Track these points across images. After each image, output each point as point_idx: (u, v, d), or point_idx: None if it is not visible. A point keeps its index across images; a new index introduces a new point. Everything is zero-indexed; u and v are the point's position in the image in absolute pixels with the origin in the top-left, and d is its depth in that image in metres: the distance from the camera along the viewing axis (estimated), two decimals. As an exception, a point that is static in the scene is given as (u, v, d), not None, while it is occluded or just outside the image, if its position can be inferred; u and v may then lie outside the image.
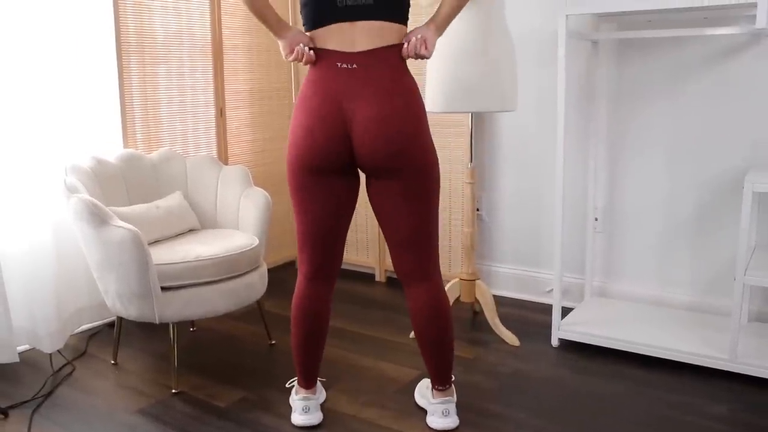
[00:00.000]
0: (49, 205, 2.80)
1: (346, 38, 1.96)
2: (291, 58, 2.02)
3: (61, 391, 2.54)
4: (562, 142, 2.68)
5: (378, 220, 2.13)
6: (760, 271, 2.38)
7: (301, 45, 1.98)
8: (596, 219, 3.17)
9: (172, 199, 2.88)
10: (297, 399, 2.25)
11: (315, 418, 2.24)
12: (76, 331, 3.08)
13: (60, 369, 2.73)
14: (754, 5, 2.35)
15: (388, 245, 2.16)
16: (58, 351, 2.87)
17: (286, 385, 2.31)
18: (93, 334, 3.09)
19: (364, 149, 1.98)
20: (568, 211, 3.26)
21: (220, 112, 3.51)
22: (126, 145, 3.09)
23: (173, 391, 2.51)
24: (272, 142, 3.88)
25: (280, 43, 2.03)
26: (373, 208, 2.14)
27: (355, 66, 1.96)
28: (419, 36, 2.00)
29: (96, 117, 2.98)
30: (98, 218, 2.37)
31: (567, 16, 2.59)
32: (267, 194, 2.86)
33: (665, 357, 2.58)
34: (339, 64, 1.97)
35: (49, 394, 2.52)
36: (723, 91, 2.80)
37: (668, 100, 2.93)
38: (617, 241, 3.15)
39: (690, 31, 2.61)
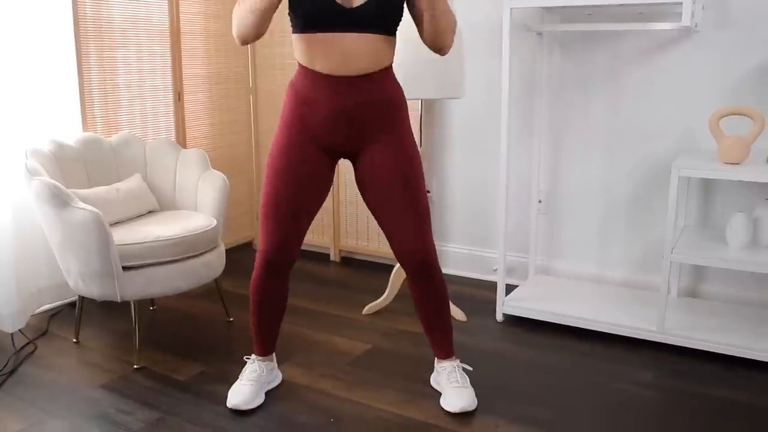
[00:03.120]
0: (9, 187, 2.85)
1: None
2: None
3: (24, 369, 2.62)
4: (506, 129, 2.83)
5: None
6: (686, 250, 2.58)
7: None
8: (540, 201, 3.34)
9: (132, 182, 2.96)
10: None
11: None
12: (38, 311, 3.15)
13: (22, 348, 2.80)
14: (680, 4, 2.53)
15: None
16: (20, 330, 2.93)
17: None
18: (54, 314, 3.16)
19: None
20: (513, 194, 3.43)
21: (179, 96, 3.58)
22: (85, 128, 3.14)
23: (135, 366, 2.61)
24: (230, 126, 3.96)
25: None
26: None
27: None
28: None
29: (55, 100, 3.03)
30: (60, 200, 2.45)
31: (511, 9, 2.74)
32: (224, 177, 2.96)
33: (600, 330, 2.78)
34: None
35: (12, 372, 2.60)
36: (656, 81, 2.99)
37: (607, 90, 3.11)
38: (559, 222, 3.33)
39: (626, 26, 2.78)
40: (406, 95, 2.81)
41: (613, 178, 3.16)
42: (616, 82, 3.08)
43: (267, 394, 2.38)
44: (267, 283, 2.25)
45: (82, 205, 2.46)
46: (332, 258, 3.97)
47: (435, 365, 2.40)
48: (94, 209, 2.44)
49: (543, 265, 3.41)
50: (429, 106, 3.58)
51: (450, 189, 3.62)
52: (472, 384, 2.41)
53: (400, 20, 2.08)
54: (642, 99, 3.04)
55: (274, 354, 2.44)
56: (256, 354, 2.39)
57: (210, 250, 2.79)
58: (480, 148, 3.49)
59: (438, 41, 2.07)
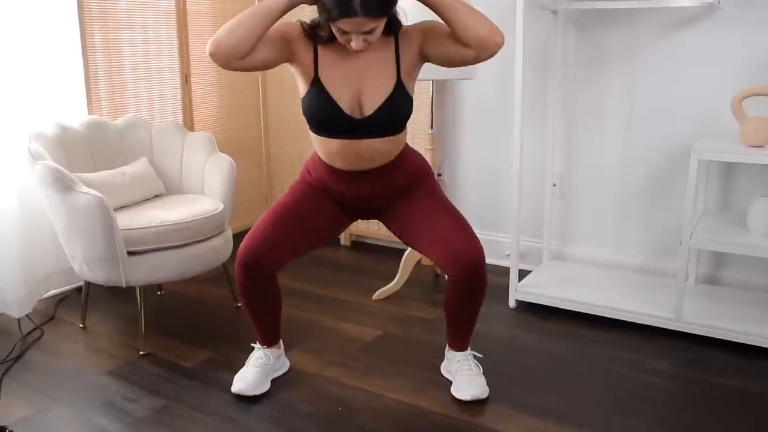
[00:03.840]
0: (14, 171, 2.81)
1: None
2: None
3: (31, 355, 2.59)
4: (520, 110, 2.75)
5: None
6: (705, 236, 2.50)
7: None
8: (554, 185, 3.27)
9: (138, 165, 2.91)
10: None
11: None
12: (45, 296, 3.12)
13: (29, 333, 2.78)
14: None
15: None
16: (27, 316, 2.91)
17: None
18: (61, 299, 3.13)
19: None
20: (527, 177, 3.36)
21: (186, 78, 3.52)
22: (91, 111, 3.10)
23: (141, 352, 2.58)
24: (239, 109, 3.90)
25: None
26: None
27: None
28: None
29: (59, 83, 2.98)
30: (63, 184, 2.41)
31: (525, -14, 2.65)
32: (232, 160, 2.91)
33: (615, 317, 2.71)
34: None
35: (18, 357, 2.57)
36: (676, 60, 2.89)
37: (624, 70, 3.02)
38: (574, 206, 3.26)
39: (645, 3, 2.68)
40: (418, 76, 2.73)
41: (629, 160, 3.08)
42: (634, 62, 2.99)
43: (274, 381, 2.34)
44: (250, 287, 2.16)
45: (85, 189, 2.42)
46: (342, 242, 3.92)
47: (446, 353, 2.35)
48: (97, 194, 2.40)
49: (557, 250, 3.34)
50: (440, 87, 3.51)
51: (462, 172, 3.55)
52: (484, 372, 2.36)
53: (410, 115, 2.12)
54: (660, 79, 2.94)
55: (281, 341, 2.39)
56: (260, 343, 2.35)
57: (217, 235, 2.74)
58: (492, 130, 3.42)
59: (480, 32, 1.88)
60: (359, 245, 3.89)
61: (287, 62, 2.05)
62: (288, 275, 3.39)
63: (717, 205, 2.90)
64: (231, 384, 2.31)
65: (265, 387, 2.28)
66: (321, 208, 2.21)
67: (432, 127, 3.05)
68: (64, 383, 2.37)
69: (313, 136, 2.13)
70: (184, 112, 3.55)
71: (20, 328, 2.81)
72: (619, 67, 3.03)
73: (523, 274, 3.29)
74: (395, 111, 2.04)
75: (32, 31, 2.86)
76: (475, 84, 3.42)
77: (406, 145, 2.21)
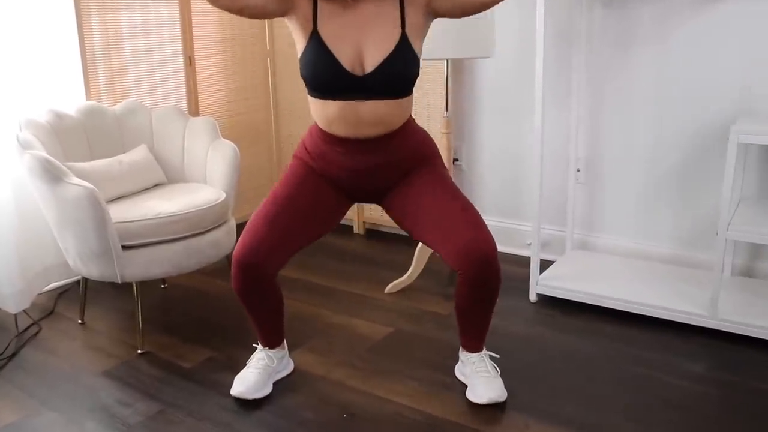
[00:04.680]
0: (8, 161, 2.68)
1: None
2: None
3: (26, 353, 2.48)
4: (541, 90, 2.55)
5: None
6: (744, 226, 2.30)
7: None
8: (578, 170, 3.07)
9: (137, 153, 2.77)
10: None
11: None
12: (45, 289, 3.01)
13: (25, 330, 2.67)
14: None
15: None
16: (24, 311, 2.80)
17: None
18: (62, 293, 3.02)
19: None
20: (549, 162, 3.16)
21: (189, 61, 3.36)
22: (89, 97, 2.96)
23: (139, 351, 2.45)
24: (246, 91, 3.74)
25: None
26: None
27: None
28: None
29: (55, 68, 2.83)
30: (52, 175, 2.27)
31: (547, -45, 2.44)
32: (235, 146, 2.75)
33: (644, 313, 2.52)
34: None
35: (13, 355, 2.46)
36: (711, 35, 2.66)
37: (654, 46, 2.79)
38: (599, 192, 3.06)
39: (677, -29, 2.46)
40: (431, 54, 2.55)
41: (660, 143, 2.86)
42: (665, 36, 2.76)
43: (277, 383, 2.19)
44: (248, 290, 2.00)
45: (75, 180, 2.28)
46: (356, 230, 3.76)
47: (460, 355, 2.18)
48: (88, 185, 2.26)
49: (581, 239, 3.14)
50: (456, 66, 3.31)
51: (480, 157, 3.36)
52: (502, 373, 2.19)
53: (416, 78, 1.94)
54: (694, 55, 2.71)
55: (284, 342, 2.24)
56: (262, 345, 2.20)
57: (218, 227, 2.59)
58: (512, 112, 3.21)
59: None
60: (373, 234, 3.73)
61: (283, 16, 1.92)
62: (295, 266, 3.24)
63: (755, 192, 2.68)
64: (230, 386, 2.17)
65: (267, 390, 2.13)
66: (319, 194, 2.04)
67: (447, 110, 2.86)
68: (57, 385, 2.25)
69: (311, 101, 1.97)
70: (188, 97, 3.39)
71: (16, 325, 2.70)
72: (649, 43, 2.80)
73: (544, 264, 3.11)
74: (399, 69, 1.86)
75: (25, 14, 2.71)
76: (493, 63, 3.21)
77: (413, 120, 2.04)
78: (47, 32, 2.79)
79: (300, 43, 1.92)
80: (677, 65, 2.75)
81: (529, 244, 3.25)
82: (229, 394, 2.13)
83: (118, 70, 3.06)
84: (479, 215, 1.96)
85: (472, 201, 3.41)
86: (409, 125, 2.02)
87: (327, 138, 1.99)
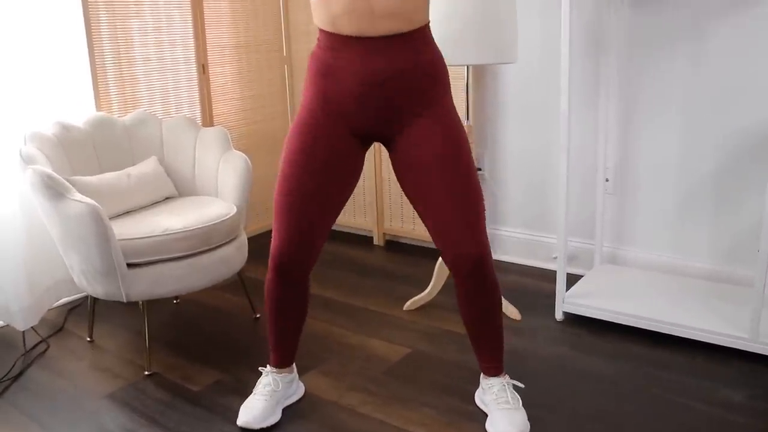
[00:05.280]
0: (16, 174, 2.61)
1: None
2: None
3: (32, 373, 2.40)
4: (567, 96, 2.41)
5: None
6: (787, 241, 2.13)
7: None
8: (607, 179, 2.91)
9: (146, 166, 2.68)
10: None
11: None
12: (55, 304, 2.94)
13: (33, 348, 2.59)
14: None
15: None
16: (33, 328, 2.73)
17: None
18: (73, 308, 2.94)
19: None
20: (576, 171, 3.01)
21: (203, 69, 3.27)
22: (99, 108, 2.88)
23: (146, 372, 2.36)
24: (263, 99, 3.64)
25: None
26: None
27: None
28: None
29: (64, 77, 2.76)
30: (54, 191, 2.18)
31: (572, -46, 2.30)
32: (246, 158, 2.65)
33: (678, 335, 2.36)
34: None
35: (19, 375, 2.39)
36: (753, 35, 2.49)
37: (689, 47, 2.63)
38: (630, 203, 2.89)
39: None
40: (450, 60, 2.42)
41: (695, 151, 2.69)
42: (701, 37, 2.60)
43: (286, 410, 2.08)
44: (281, 292, 1.94)
45: (78, 197, 2.19)
46: (375, 242, 3.64)
47: (480, 381, 2.05)
48: (90, 201, 2.17)
49: (610, 252, 2.98)
50: (477, 72, 3.17)
51: (503, 165, 3.21)
52: (524, 400, 2.06)
53: None
54: (733, 56, 2.55)
55: (293, 365, 2.13)
56: (271, 365, 2.09)
57: (228, 243, 2.49)
58: (537, 119, 3.07)
59: None
60: (393, 245, 3.60)
61: None
62: (311, 279, 3.13)
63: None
64: (237, 412, 2.06)
65: (275, 418, 2.02)
66: (331, 154, 1.83)
67: (468, 117, 2.72)
68: (59, 410, 2.16)
69: (315, 2, 1.77)
70: (202, 106, 3.31)
71: (24, 343, 2.63)
72: (683, 43, 2.64)
73: (571, 278, 2.96)
74: None
75: (33, 22, 2.64)
76: (516, 68, 3.07)
77: (430, 31, 1.83)
78: (55, 42, 2.72)
79: None
80: (715, 65, 2.59)
81: (555, 258, 3.10)
82: (236, 422, 2.02)
83: (129, 80, 2.98)
84: (479, 209, 1.82)
85: (495, 212, 3.28)
86: (426, 34, 1.80)
87: (332, 42, 1.77)
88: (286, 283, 1.92)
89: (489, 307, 1.89)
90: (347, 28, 1.72)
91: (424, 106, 1.81)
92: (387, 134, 1.86)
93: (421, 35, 1.79)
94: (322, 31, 1.80)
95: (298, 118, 1.88)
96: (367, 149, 1.95)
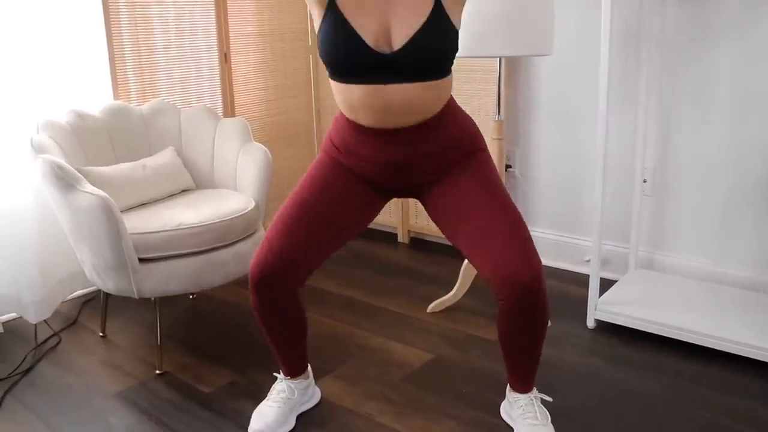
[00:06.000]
0: (29, 165, 2.54)
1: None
2: None
3: (42, 368, 2.34)
4: (605, 92, 2.27)
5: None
6: (841, 252, 1.97)
7: None
8: (644, 180, 2.76)
9: (163, 157, 2.60)
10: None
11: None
12: (69, 297, 2.87)
13: (45, 341, 2.53)
14: None
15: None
16: (45, 321, 2.66)
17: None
18: (87, 301, 2.88)
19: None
20: (612, 171, 2.86)
21: (225, 58, 3.18)
22: (117, 96, 2.80)
23: (157, 371, 2.28)
24: (287, 90, 3.54)
25: None
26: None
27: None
28: None
29: (82, 65, 2.69)
30: (64, 182, 2.10)
31: (614, -60, 2.16)
32: (266, 150, 2.55)
33: (716, 347, 2.21)
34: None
35: (29, 370, 2.32)
36: (804, 30, 2.33)
37: (735, 42, 2.47)
38: (668, 206, 2.74)
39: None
40: (483, 52, 2.30)
41: (739, 152, 2.53)
42: (748, 32, 2.43)
43: (301, 417, 1.98)
44: (262, 309, 1.79)
45: (89, 188, 2.10)
46: (400, 239, 3.52)
47: (507, 393, 1.92)
48: (101, 193, 2.08)
49: (646, 257, 2.83)
50: (510, 65, 3.03)
51: (535, 163, 3.08)
52: (552, 413, 1.93)
53: (454, 54, 1.65)
54: (783, 54, 2.39)
55: (308, 370, 2.03)
56: (283, 374, 1.99)
57: (244, 238, 2.39)
58: (572, 115, 2.92)
59: None
60: (418, 243, 3.49)
61: None
62: (330, 278, 3.03)
63: None
64: (249, 417, 1.97)
65: (288, 426, 1.92)
66: (347, 191, 1.79)
67: (499, 113, 2.59)
68: (67, 408, 2.09)
69: (333, 86, 1.71)
70: (223, 96, 3.21)
71: (35, 335, 2.57)
72: (729, 38, 2.48)
73: (604, 283, 2.82)
74: (432, 44, 1.58)
75: (50, 12, 2.56)
76: (551, 61, 2.93)
77: (453, 101, 1.75)
78: (73, 30, 2.64)
79: (317, 17, 1.66)
80: (762, 63, 2.42)
81: (588, 261, 2.96)
82: (247, 429, 1.93)
83: (149, 68, 2.89)
84: (527, 233, 1.69)
85: (525, 212, 3.14)
86: (449, 109, 1.73)
87: (353, 128, 1.73)
88: (264, 299, 1.77)
89: (535, 332, 1.72)
90: (365, 121, 1.68)
91: (459, 167, 1.77)
92: (414, 194, 1.85)
93: (444, 114, 1.72)
94: (341, 113, 1.78)
95: (316, 165, 1.84)
96: (385, 203, 1.90)
